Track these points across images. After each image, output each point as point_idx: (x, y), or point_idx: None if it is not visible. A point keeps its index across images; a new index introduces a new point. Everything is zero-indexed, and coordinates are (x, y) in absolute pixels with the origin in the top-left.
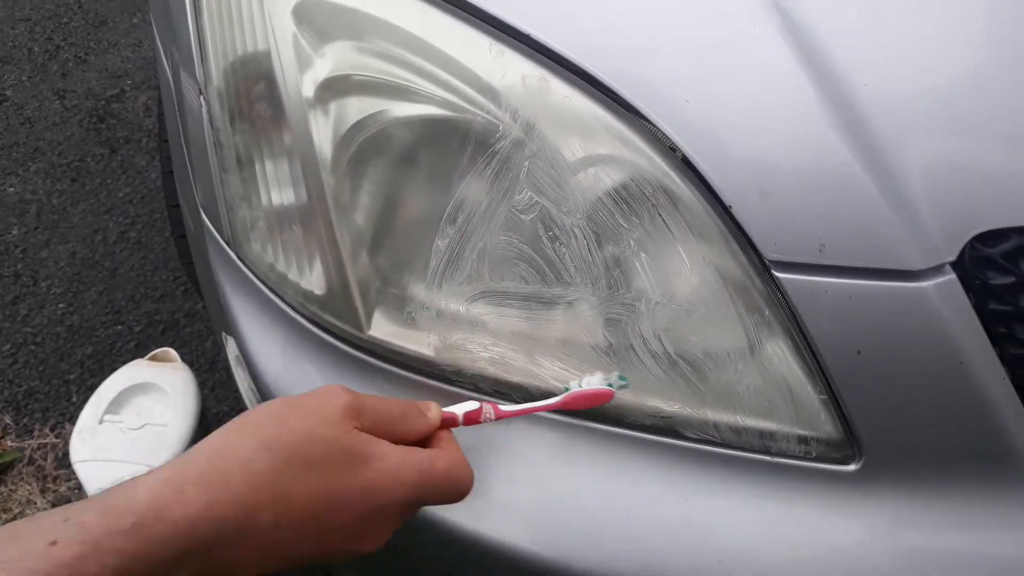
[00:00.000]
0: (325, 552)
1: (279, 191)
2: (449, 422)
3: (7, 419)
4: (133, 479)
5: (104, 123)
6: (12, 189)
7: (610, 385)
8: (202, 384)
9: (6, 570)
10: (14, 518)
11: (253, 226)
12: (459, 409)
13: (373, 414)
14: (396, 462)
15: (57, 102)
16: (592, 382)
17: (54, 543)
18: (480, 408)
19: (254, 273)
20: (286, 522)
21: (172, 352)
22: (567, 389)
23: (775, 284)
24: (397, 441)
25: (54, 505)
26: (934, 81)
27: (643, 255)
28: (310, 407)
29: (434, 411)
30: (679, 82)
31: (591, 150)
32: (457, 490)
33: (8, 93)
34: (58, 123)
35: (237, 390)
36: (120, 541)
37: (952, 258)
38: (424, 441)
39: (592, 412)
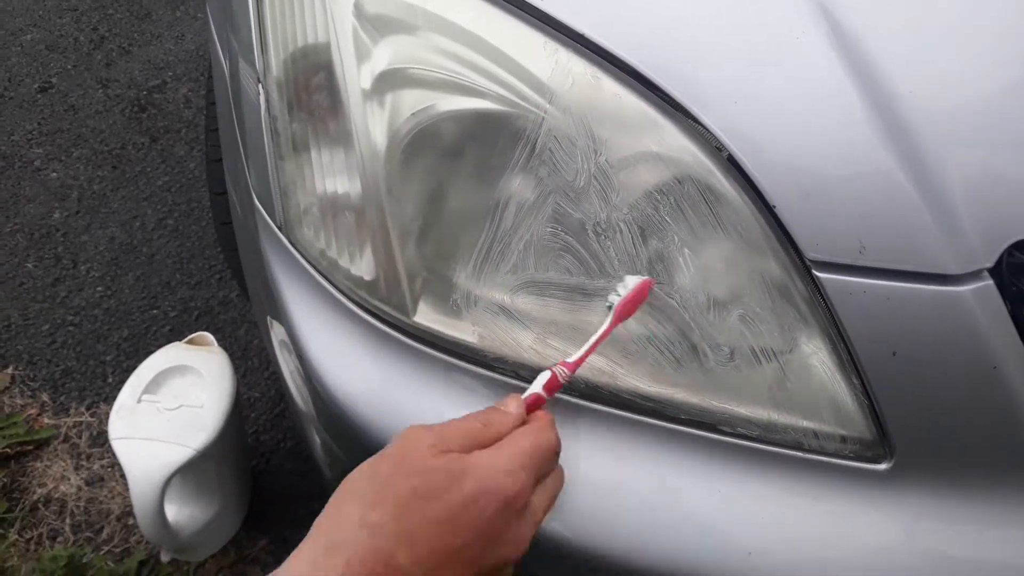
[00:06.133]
0: (479, 572)
1: (333, 179)
2: (536, 405)
3: (44, 397)
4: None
5: (145, 113)
6: (55, 174)
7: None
8: (234, 370)
9: None
10: (48, 493)
11: (306, 212)
12: (536, 387)
13: (457, 437)
14: (489, 460)
15: (100, 91)
16: (628, 283)
17: None
18: (553, 373)
19: (305, 258)
20: (422, 556)
21: (209, 336)
22: (610, 306)
23: (815, 283)
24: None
25: (87, 482)
26: (977, 91)
27: (686, 251)
28: (399, 455)
29: (512, 404)
30: (727, 83)
31: (639, 147)
32: (547, 451)
33: (54, 81)
34: (101, 111)
35: (269, 377)
36: None
37: (990, 264)
38: None
39: (632, 405)
